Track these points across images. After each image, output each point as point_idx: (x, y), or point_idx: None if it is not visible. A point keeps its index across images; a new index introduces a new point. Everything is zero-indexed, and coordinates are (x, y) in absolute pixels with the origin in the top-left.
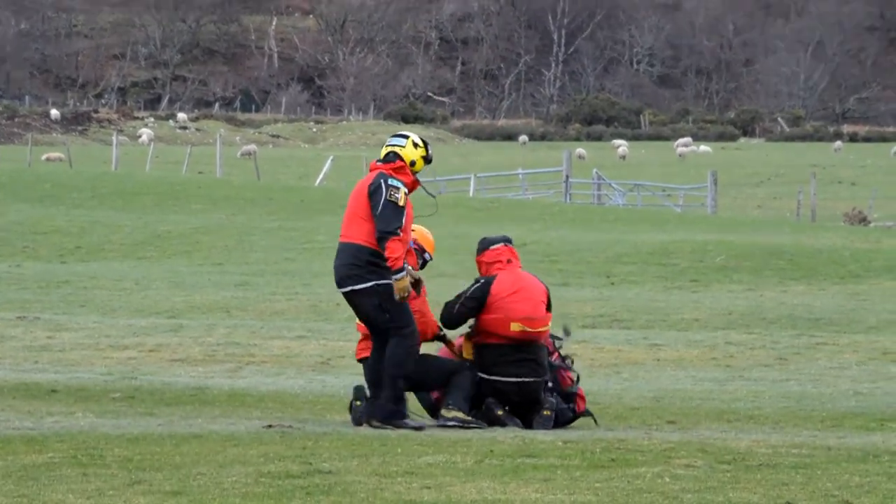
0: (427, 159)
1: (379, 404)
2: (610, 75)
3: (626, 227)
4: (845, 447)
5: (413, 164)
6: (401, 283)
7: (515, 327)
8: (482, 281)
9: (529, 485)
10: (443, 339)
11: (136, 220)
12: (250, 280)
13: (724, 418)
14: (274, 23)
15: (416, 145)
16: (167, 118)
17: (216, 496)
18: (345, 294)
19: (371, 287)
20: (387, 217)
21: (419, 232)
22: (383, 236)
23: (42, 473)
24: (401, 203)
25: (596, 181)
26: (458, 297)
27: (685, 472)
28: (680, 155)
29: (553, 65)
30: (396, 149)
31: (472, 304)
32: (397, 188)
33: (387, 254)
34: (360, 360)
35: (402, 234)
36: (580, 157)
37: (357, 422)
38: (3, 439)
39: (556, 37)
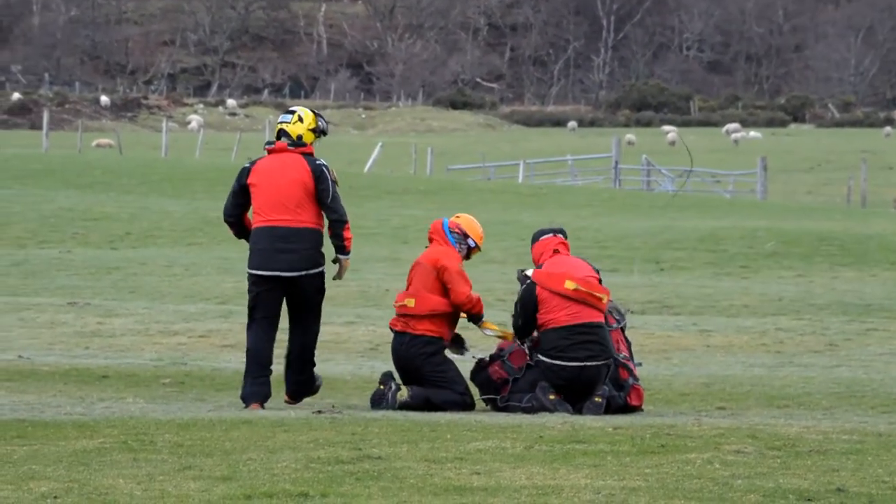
0: (315, 131)
1: (301, 380)
2: (659, 61)
3: (675, 213)
4: None
5: (300, 138)
6: (348, 262)
7: (570, 285)
8: (525, 284)
9: (579, 470)
10: (476, 319)
11: (186, 206)
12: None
13: (774, 404)
14: (323, 9)
15: (301, 119)
16: (216, 105)
17: (266, 481)
18: (293, 278)
19: (322, 271)
20: (340, 203)
21: (465, 219)
22: (341, 221)
23: (93, 459)
24: (339, 185)
25: (645, 167)
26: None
27: (735, 457)
28: (735, 141)
29: (602, 51)
30: (284, 126)
31: (525, 308)
32: (332, 170)
33: (348, 235)
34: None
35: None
36: (629, 143)
37: (375, 404)
38: (55, 424)
39: (605, 22)
